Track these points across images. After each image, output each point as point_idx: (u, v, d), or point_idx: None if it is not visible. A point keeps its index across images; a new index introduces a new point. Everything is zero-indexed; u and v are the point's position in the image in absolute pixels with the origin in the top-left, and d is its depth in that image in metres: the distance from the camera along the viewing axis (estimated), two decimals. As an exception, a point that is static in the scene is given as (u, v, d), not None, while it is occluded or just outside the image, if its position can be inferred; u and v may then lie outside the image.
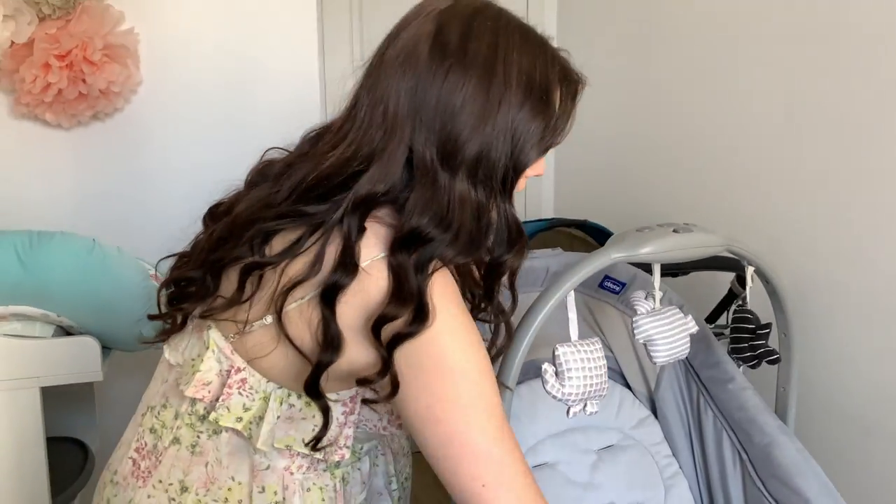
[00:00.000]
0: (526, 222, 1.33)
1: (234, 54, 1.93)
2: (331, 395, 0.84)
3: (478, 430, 0.77)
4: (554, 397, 0.92)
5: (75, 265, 1.41)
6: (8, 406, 1.38)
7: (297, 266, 0.80)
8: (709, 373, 1.19)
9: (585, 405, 0.92)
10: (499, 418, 0.79)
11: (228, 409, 0.86)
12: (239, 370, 0.86)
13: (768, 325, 1.16)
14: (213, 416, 0.87)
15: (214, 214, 0.94)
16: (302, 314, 0.80)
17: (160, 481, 0.92)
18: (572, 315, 0.94)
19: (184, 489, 0.90)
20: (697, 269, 1.44)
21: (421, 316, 0.76)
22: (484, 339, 0.84)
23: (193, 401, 0.90)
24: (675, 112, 2.04)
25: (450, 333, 0.79)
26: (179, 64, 1.94)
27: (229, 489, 0.89)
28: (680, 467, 1.23)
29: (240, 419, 0.87)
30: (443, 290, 0.79)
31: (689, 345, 1.05)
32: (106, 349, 1.50)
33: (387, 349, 0.77)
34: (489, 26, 0.81)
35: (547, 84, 0.81)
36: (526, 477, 0.79)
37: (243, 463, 0.89)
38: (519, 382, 1.16)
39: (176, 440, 0.92)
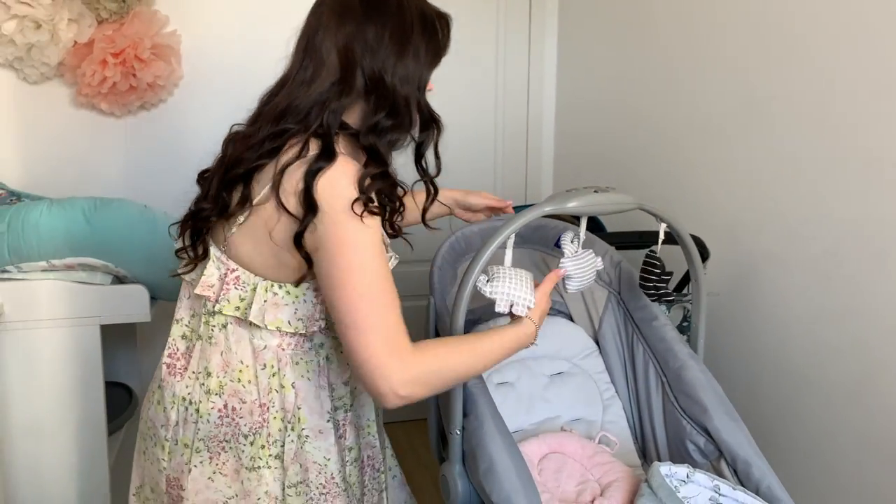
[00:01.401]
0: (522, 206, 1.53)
1: (264, 53, 2.20)
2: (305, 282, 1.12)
3: (349, 289, 1.02)
4: (483, 292, 1.16)
5: (131, 225, 1.70)
6: (75, 340, 1.67)
7: (287, 156, 1.07)
8: (639, 314, 1.44)
9: (512, 306, 1.14)
10: (377, 284, 1.02)
11: (228, 301, 1.14)
12: (233, 270, 1.14)
13: (669, 273, 1.39)
14: (217, 307, 1.15)
15: (202, 177, 1.21)
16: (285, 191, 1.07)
17: (193, 372, 1.19)
18: (508, 252, 1.20)
19: (208, 374, 1.17)
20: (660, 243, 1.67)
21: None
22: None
23: (205, 301, 1.17)
24: (653, 110, 2.27)
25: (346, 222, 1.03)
26: (216, 61, 2.23)
27: (240, 370, 1.16)
28: (616, 392, 1.47)
29: (237, 307, 1.14)
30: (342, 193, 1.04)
31: (594, 278, 1.29)
32: (152, 299, 1.79)
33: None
34: None
35: (432, 19, 1.15)
36: (391, 328, 1.02)
37: (247, 348, 1.15)
38: (479, 320, 1.43)
39: (199, 337, 1.19)
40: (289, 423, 1.16)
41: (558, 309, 1.48)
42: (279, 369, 1.16)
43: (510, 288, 1.12)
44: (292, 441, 1.16)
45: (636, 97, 2.37)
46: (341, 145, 1.10)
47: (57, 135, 2.17)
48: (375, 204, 1.06)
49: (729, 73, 1.93)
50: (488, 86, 2.84)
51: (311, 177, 1.04)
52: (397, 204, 1.17)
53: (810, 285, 1.70)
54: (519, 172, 2.91)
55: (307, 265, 1.08)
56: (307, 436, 1.17)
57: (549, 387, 1.44)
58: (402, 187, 1.19)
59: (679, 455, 1.36)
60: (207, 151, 1.19)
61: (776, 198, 1.79)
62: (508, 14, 2.83)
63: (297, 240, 1.06)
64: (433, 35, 1.14)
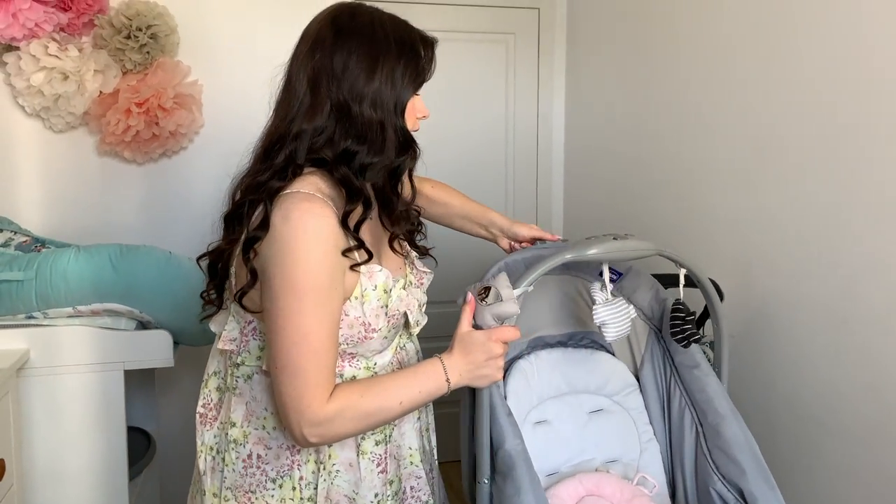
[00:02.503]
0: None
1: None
2: None
3: (285, 332, 1.04)
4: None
5: (157, 271, 1.72)
6: (99, 385, 1.68)
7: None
8: (680, 358, 1.45)
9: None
10: (300, 333, 1.03)
11: (249, 353, 1.16)
12: (250, 322, 1.16)
13: (694, 314, 1.41)
14: (239, 359, 1.17)
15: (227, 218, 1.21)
16: None
17: (221, 423, 1.22)
18: (518, 291, 1.23)
19: (232, 424, 1.18)
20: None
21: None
22: None
23: (230, 354, 1.19)
24: (663, 153, 2.31)
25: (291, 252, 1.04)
26: (235, 110, 2.27)
27: (265, 418, 1.16)
28: (654, 434, 1.47)
29: (259, 357, 1.15)
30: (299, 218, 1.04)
31: (630, 326, 1.32)
32: (175, 344, 1.81)
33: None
34: (368, 10, 1.15)
35: (412, 43, 1.14)
36: (317, 376, 1.04)
37: (272, 396, 1.14)
38: (520, 356, 1.44)
39: (227, 388, 1.21)
40: (321, 463, 1.16)
41: (600, 343, 1.49)
42: None
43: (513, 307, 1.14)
44: (324, 480, 1.16)
45: (645, 139, 2.41)
46: (318, 182, 1.10)
47: (80, 182, 2.21)
48: (351, 245, 1.08)
49: (739, 115, 1.96)
50: (499, 130, 2.91)
51: (268, 196, 1.07)
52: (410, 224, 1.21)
53: (824, 327, 1.71)
54: (529, 215, 2.96)
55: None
56: (338, 470, 1.17)
57: (588, 425, 1.44)
58: (415, 210, 1.24)
59: None
60: (227, 198, 1.21)
61: (788, 239, 1.81)
62: (518, 59, 2.91)
63: (246, 248, 1.07)
64: (412, 58, 1.13)
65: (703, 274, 1.36)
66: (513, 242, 1.49)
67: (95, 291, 1.67)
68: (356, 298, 1.11)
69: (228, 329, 1.18)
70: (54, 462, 1.66)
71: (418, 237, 1.29)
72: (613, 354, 1.49)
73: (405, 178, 1.22)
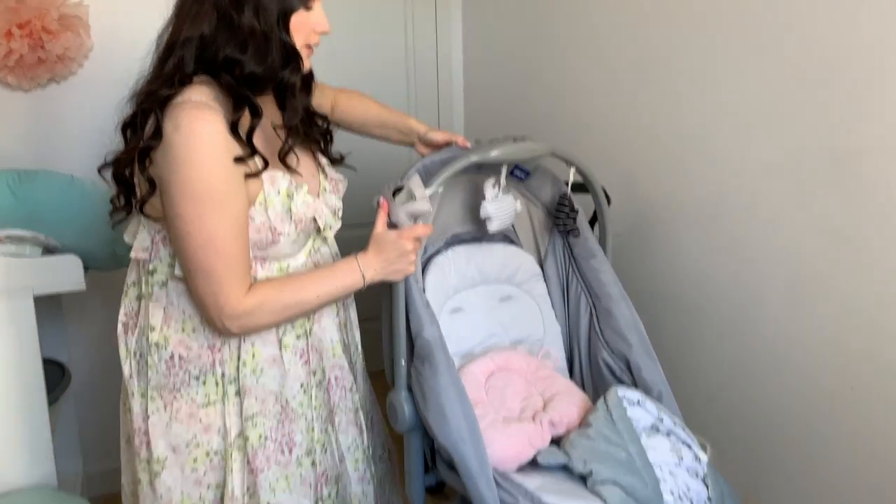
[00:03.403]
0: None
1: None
2: None
3: (191, 238, 1.10)
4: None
5: (59, 194, 1.70)
6: (9, 312, 1.65)
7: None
8: (578, 250, 1.59)
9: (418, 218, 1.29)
10: (205, 235, 1.09)
11: (161, 260, 1.22)
12: (159, 231, 1.21)
13: (577, 210, 1.56)
14: (151, 266, 1.22)
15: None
16: None
17: (141, 328, 1.26)
18: (430, 191, 1.33)
19: (151, 329, 1.24)
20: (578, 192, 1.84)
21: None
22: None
23: (144, 263, 1.24)
24: (554, 67, 2.43)
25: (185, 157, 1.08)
26: (126, 32, 2.19)
27: (183, 321, 1.22)
28: (556, 316, 1.62)
29: (171, 264, 1.21)
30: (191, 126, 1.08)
31: (512, 220, 1.46)
32: (84, 269, 1.79)
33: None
34: None
35: None
36: (227, 274, 1.12)
37: (191, 299, 1.21)
38: (439, 252, 1.54)
39: (145, 296, 1.25)
40: (243, 361, 1.23)
41: (508, 236, 1.61)
42: None
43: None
44: (245, 377, 1.23)
45: (538, 54, 2.51)
46: (207, 90, 1.14)
47: (-39, 111, 2.10)
48: (244, 153, 1.12)
49: (623, 40, 2.10)
50: (398, 47, 2.93)
51: (158, 105, 1.10)
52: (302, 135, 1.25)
53: (697, 225, 1.92)
54: (432, 121, 3.03)
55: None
56: (262, 369, 1.24)
57: (498, 311, 1.57)
58: (323, 120, 1.31)
59: (597, 377, 1.53)
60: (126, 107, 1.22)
61: (669, 147, 1.98)
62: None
63: (141, 157, 1.12)
64: None
65: (591, 172, 1.50)
66: (427, 147, 1.57)
67: (-5, 218, 1.64)
68: (260, 204, 1.17)
69: (140, 239, 1.23)
70: (-31, 391, 1.65)
71: (328, 146, 1.36)
72: (521, 247, 1.62)
73: (314, 87, 1.27)
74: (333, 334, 1.35)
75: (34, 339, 1.71)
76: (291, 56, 1.16)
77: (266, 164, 1.17)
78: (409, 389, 1.35)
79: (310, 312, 1.26)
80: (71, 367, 2.14)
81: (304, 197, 1.23)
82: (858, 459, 1.62)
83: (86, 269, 1.80)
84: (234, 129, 1.12)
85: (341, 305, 1.38)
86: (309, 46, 1.22)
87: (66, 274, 1.72)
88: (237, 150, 1.12)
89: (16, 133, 2.16)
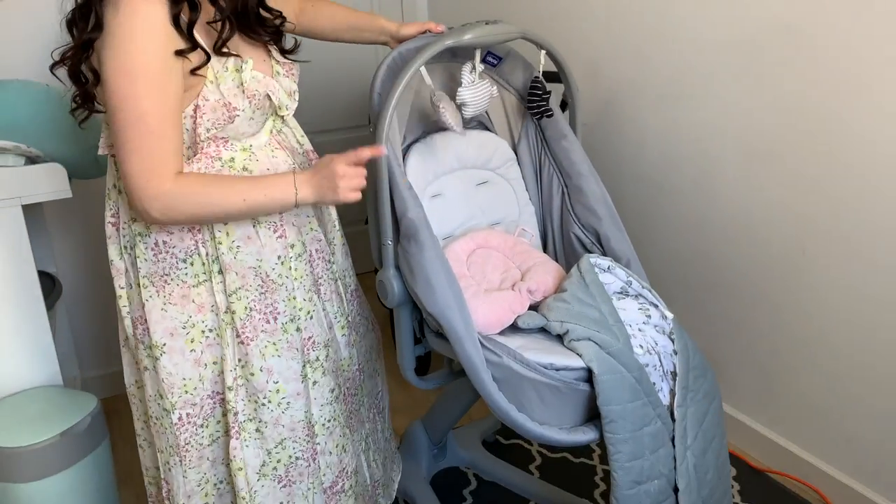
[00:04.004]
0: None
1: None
2: None
3: (122, 114, 1.14)
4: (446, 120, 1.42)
5: (37, 104, 1.71)
6: (-1, 221, 1.71)
7: None
8: (549, 133, 1.66)
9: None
10: (135, 111, 1.13)
11: None
12: None
13: (549, 92, 1.62)
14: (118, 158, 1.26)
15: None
16: None
17: (124, 223, 1.33)
18: (426, 78, 1.42)
19: (133, 220, 1.31)
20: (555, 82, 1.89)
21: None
22: None
23: (115, 160, 1.29)
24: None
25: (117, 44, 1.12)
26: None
27: None
28: (530, 198, 1.71)
29: None
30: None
31: (487, 104, 1.52)
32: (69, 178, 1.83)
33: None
34: None
35: None
36: (153, 156, 1.16)
37: None
38: (417, 140, 1.60)
39: (122, 190, 1.31)
40: (218, 241, 1.30)
41: (482, 122, 1.68)
42: None
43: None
44: (223, 254, 1.31)
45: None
46: None
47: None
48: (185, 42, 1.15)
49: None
50: None
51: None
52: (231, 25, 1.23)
53: (659, 105, 2.00)
54: (395, 14, 3.02)
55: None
56: (238, 246, 1.32)
57: (476, 195, 1.65)
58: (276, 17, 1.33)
59: (569, 250, 1.64)
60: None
61: (628, 33, 2.04)
62: None
63: (87, 48, 1.17)
64: None
65: (561, 55, 1.57)
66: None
67: (-25, 129, 1.66)
68: (211, 82, 1.21)
69: (104, 136, 1.29)
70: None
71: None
72: (496, 133, 1.69)
73: None
74: (308, 209, 1.42)
75: (27, 246, 1.75)
76: None
77: (208, 58, 1.20)
78: (397, 268, 1.45)
79: (237, 217, 1.27)
80: (62, 278, 2.20)
81: (251, 72, 1.26)
82: (811, 321, 1.78)
83: (70, 178, 1.84)
84: (175, 22, 1.15)
85: None
86: None
87: (52, 182, 1.75)
88: (178, 42, 1.16)
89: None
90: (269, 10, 1.35)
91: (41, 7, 2.15)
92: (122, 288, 1.39)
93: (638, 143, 2.10)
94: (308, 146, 1.45)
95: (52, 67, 1.25)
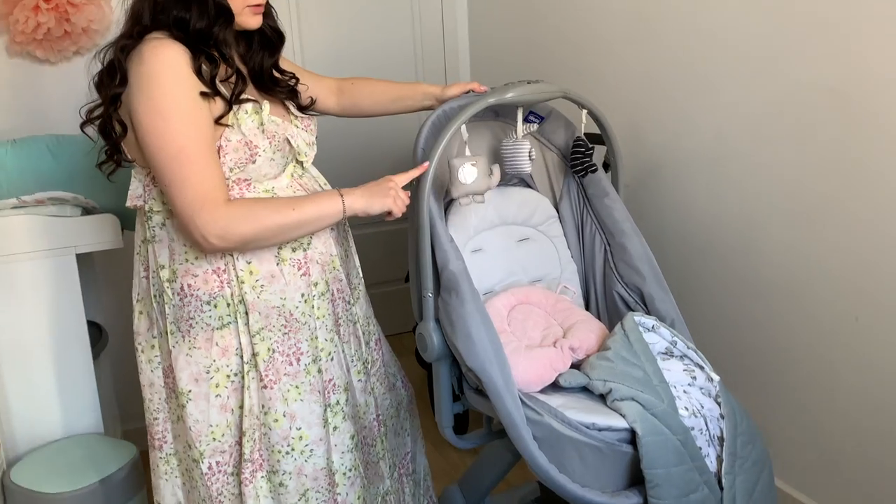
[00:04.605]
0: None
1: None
2: None
3: (163, 153, 1.21)
4: (452, 185, 1.42)
5: (93, 156, 1.79)
6: (53, 270, 1.76)
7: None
8: (592, 190, 1.67)
9: (474, 196, 1.43)
10: (175, 146, 1.20)
11: (155, 199, 1.33)
12: (148, 174, 1.32)
13: (592, 148, 1.63)
14: (147, 206, 1.33)
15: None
16: None
17: (152, 271, 1.37)
18: (464, 136, 1.44)
19: (161, 267, 1.35)
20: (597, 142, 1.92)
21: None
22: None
23: (142, 210, 1.35)
24: (557, 18, 2.49)
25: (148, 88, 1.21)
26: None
27: (185, 252, 1.32)
28: (572, 256, 1.70)
29: (164, 202, 1.31)
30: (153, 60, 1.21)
31: (528, 164, 1.54)
32: (122, 229, 1.89)
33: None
34: None
35: None
36: (202, 184, 1.21)
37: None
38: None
39: (148, 241, 1.36)
40: (242, 281, 1.33)
41: (525, 180, 1.69)
42: None
43: (471, 177, 1.34)
44: (247, 293, 1.33)
45: (541, 6, 2.57)
46: (164, 34, 1.24)
47: (-7, 84, 2.19)
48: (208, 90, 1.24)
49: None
50: (405, 32, 3.00)
51: (120, 51, 1.24)
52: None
53: (703, 167, 1.99)
54: (438, 79, 3.08)
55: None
56: (262, 285, 1.34)
57: (517, 251, 1.65)
58: (284, 77, 1.43)
59: (612, 309, 1.62)
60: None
61: (670, 94, 2.05)
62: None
63: (114, 102, 1.25)
64: None
65: (603, 114, 1.58)
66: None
67: (37, 181, 1.73)
68: (233, 126, 1.28)
69: (132, 187, 1.36)
70: (20, 343, 1.74)
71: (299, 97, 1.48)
72: (537, 190, 1.70)
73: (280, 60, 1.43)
74: (332, 248, 1.44)
75: (78, 295, 1.81)
76: (221, 13, 1.27)
77: (230, 107, 1.28)
78: (437, 320, 1.44)
79: (291, 232, 1.31)
80: (109, 328, 2.24)
81: (269, 115, 1.33)
82: (866, 387, 1.70)
83: (122, 229, 1.90)
84: (198, 72, 1.24)
85: (338, 226, 1.47)
86: (252, 5, 1.32)
87: (105, 232, 1.81)
88: (202, 87, 1.24)
89: (48, 103, 2.25)
90: (282, 72, 1.45)
91: (95, 66, 2.28)
92: (155, 338, 1.41)
93: (681, 204, 2.08)
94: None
95: (83, 126, 1.34)
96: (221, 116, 1.26)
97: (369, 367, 1.54)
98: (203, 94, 1.23)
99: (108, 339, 2.22)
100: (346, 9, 2.90)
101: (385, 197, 1.35)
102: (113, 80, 1.25)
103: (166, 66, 1.20)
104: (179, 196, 1.22)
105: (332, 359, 1.42)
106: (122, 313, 2.43)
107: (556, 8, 2.50)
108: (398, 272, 2.58)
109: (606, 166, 1.74)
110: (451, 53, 3.12)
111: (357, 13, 2.89)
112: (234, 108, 1.28)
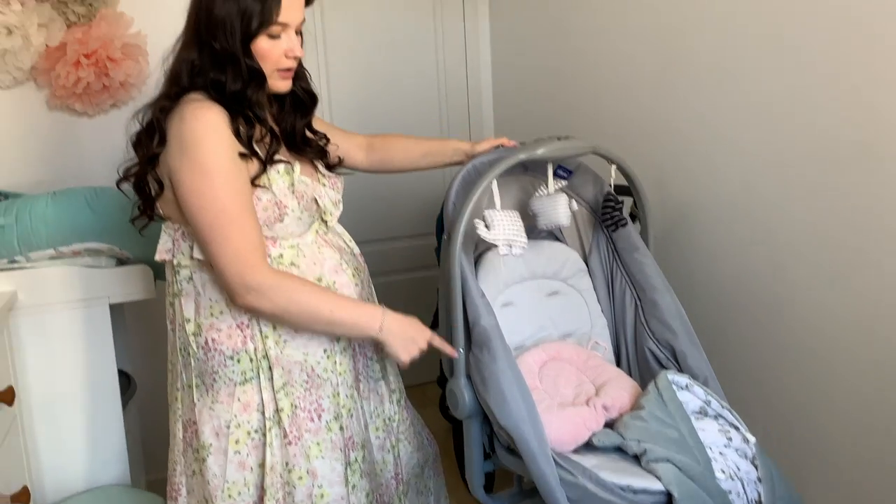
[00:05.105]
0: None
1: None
2: None
3: (206, 212, 1.24)
4: (485, 238, 1.41)
5: (128, 207, 1.82)
6: (87, 320, 1.78)
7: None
8: (621, 244, 1.66)
9: (511, 247, 1.41)
10: (218, 206, 1.23)
11: (183, 254, 1.35)
12: (177, 229, 1.34)
13: (621, 202, 1.64)
14: (176, 260, 1.35)
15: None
16: None
17: (179, 325, 1.39)
18: (496, 192, 1.44)
19: (188, 321, 1.36)
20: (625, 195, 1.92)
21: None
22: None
23: (171, 264, 1.37)
24: (580, 72, 2.50)
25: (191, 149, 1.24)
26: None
27: (211, 306, 1.34)
28: (602, 310, 1.69)
29: (192, 257, 1.33)
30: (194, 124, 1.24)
31: (568, 217, 1.54)
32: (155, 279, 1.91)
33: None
34: None
35: None
36: (242, 245, 1.24)
37: (214, 285, 1.33)
38: (489, 248, 1.61)
39: (176, 295, 1.38)
40: (266, 336, 1.34)
41: (554, 233, 1.70)
42: None
43: (505, 229, 1.33)
44: (271, 348, 1.34)
45: (566, 57, 2.60)
46: (202, 96, 1.29)
47: (32, 136, 2.24)
48: (245, 151, 1.28)
49: (648, 39, 2.18)
50: (428, 58, 3.07)
51: (159, 111, 1.27)
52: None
53: (731, 219, 1.98)
54: (463, 133, 3.16)
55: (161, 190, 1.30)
56: (285, 340, 1.35)
57: (547, 305, 1.65)
58: (316, 136, 1.46)
59: (643, 365, 1.60)
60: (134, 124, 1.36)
61: (695, 146, 2.06)
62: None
63: (152, 162, 1.28)
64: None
65: (632, 170, 1.59)
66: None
67: (75, 232, 1.76)
68: (265, 186, 1.31)
69: (162, 241, 1.38)
70: (51, 392, 1.75)
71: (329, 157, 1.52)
72: (566, 244, 1.70)
73: (312, 121, 1.47)
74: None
75: (110, 345, 1.82)
76: (254, 76, 1.31)
77: (264, 168, 1.31)
78: (468, 377, 1.43)
79: (315, 326, 1.33)
80: (137, 377, 2.25)
81: (300, 176, 1.36)
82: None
83: (157, 280, 1.92)
84: (237, 133, 1.27)
85: (363, 281, 1.47)
86: (282, 69, 1.35)
87: (138, 283, 1.83)
88: (240, 147, 1.28)
89: (84, 154, 2.30)
90: (314, 132, 1.49)
91: (132, 122, 2.34)
92: (178, 391, 1.42)
93: (709, 259, 2.06)
94: (356, 249, 1.52)
95: (119, 183, 1.39)
96: (257, 177, 1.29)
97: (395, 424, 1.53)
98: (241, 154, 1.26)
99: (136, 388, 2.23)
100: (372, 61, 2.97)
101: (410, 349, 1.37)
102: (151, 140, 1.29)
103: (208, 127, 1.24)
104: (223, 254, 1.24)
105: (351, 415, 1.42)
106: (148, 361, 2.45)
107: (579, 60, 2.53)
108: (422, 321, 2.58)
109: (633, 218, 1.74)
110: (474, 107, 3.18)
111: (383, 65, 2.96)
112: (268, 168, 1.31)
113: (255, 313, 1.31)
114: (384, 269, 2.73)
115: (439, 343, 1.41)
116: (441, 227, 2.17)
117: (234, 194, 1.25)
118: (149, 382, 2.42)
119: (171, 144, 1.25)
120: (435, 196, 2.71)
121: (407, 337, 1.36)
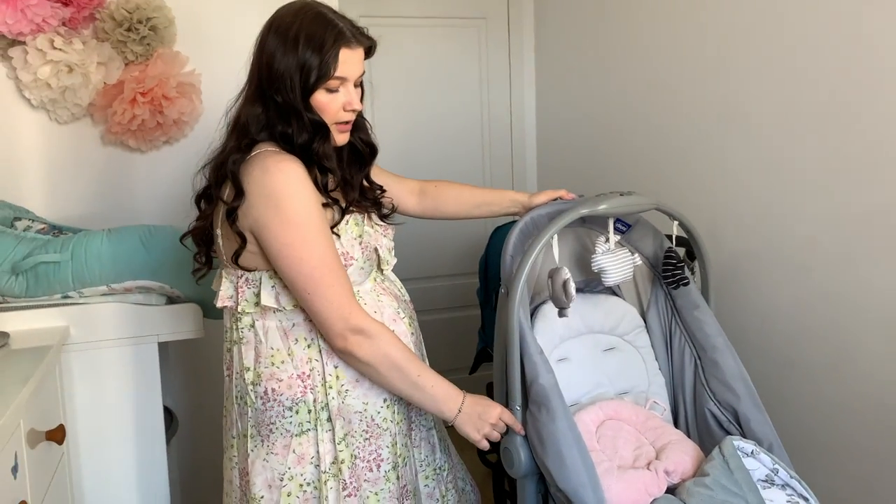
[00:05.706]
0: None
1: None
2: None
3: (304, 264, 1.24)
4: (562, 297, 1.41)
5: (182, 249, 1.83)
6: (137, 357, 1.78)
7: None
8: (681, 301, 1.62)
9: (563, 309, 1.43)
10: (316, 256, 1.24)
11: (247, 301, 1.34)
12: (241, 276, 1.33)
13: (683, 261, 1.60)
14: (239, 308, 1.34)
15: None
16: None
17: (237, 372, 1.37)
18: (555, 247, 1.43)
19: (247, 369, 1.35)
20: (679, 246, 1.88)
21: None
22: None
23: (232, 311, 1.37)
24: (630, 119, 2.49)
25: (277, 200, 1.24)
26: (231, 96, 2.37)
27: (272, 355, 1.33)
28: (659, 368, 1.64)
29: (256, 304, 1.32)
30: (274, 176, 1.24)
31: (629, 273, 1.51)
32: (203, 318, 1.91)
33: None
34: (300, 6, 1.32)
35: (320, 39, 1.27)
36: (340, 294, 1.26)
37: (276, 333, 1.33)
38: (545, 301, 1.58)
39: (235, 342, 1.37)
40: (330, 386, 1.32)
41: (611, 288, 1.66)
42: (314, 339, 1.33)
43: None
44: (332, 398, 1.32)
45: (613, 107, 2.59)
46: (274, 146, 1.31)
47: (86, 171, 2.26)
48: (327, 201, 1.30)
49: (703, 88, 2.15)
50: (473, 111, 3.10)
51: (233, 164, 1.27)
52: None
53: (788, 277, 1.92)
54: (506, 183, 3.17)
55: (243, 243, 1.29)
56: (347, 390, 1.33)
57: (603, 361, 1.61)
58: (375, 186, 1.47)
59: (703, 427, 1.55)
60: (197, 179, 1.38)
61: (753, 197, 2.01)
62: (489, 42, 3.11)
63: (229, 217, 1.27)
64: (314, 52, 1.27)
65: (693, 226, 1.56)
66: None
67: (129, 269, 1.77)
68: (337, 235, 1.31)
69: (224, 288, 1.37)
70: (99, 428, 1.76)
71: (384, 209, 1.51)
72: (624, 299, 1.66)
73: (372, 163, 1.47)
74: (411, 347, 1.42)
75: (157, 383, 1.82)
76: (318, 128, 1.31)
77: (342, 215, 1.33)
78: (524, 436, 1.39)
79: (395, 387, 1.33)
80: (180, 413, 2.25)
81: (368, 228, 1.38)
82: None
83: (206, 318, 1.92)
84: (315, 183, 1.28)
85: (416, 329, 1.48)
86: (341, 122, 1.35)
87: (188, 322, 1.83)
88: (321, 196, 1.29)
89: (138, 191, 2.32)
90: (371, 183, 1.49)
91: (190, 159, 2.36)
92: (234, 438, 1.40)
93: (765, 315, 2.01)
94: (407, 296, 1.51)
95: (182, 238, 1.42)
96: (335, 225, 1.30)
97: (445, 473, 1.51)
98: (325, 204, 1.28)
99: (179, 424, 2.22)
100: (416, 104, 3.00)
101: (482, 427, 1.36)
102: (226, 194, 1.29)
103: (295, 179, 1.24)
104: (326, 303, 1.25)
105: (405, 464, 1.40)
106: (189, 397, 2.44)
107: (625, 112, 2.52)
108: (462, 361, 2.56)
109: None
110: (518, 159, 3.20)
111: (427, 108, 2.99)
112: (345, 216, 1.32)
113: (349, 358, 1.30)
114: (426, 308, 2.72)
115: (509, 419, 1.39)
116: (484, 268, 2.15)
117: (327, 243, 1.26)
118: (186, 418, 2.42)
119: (255, 197, 1.25)
120: (478, 235, 2.70)
121: (480, 418, 1.36)
